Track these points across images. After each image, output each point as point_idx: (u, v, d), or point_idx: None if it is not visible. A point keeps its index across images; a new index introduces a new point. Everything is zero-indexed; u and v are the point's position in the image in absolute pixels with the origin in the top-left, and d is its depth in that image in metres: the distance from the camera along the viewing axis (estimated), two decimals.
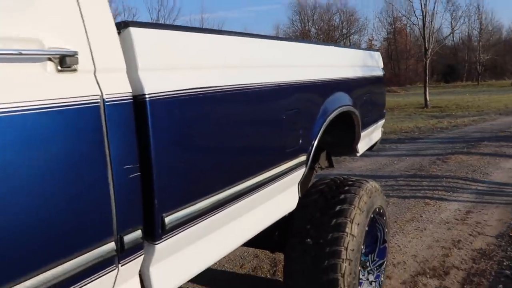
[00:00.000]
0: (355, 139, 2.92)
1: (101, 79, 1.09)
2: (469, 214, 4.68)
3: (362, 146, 3.15)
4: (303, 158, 2.15)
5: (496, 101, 21.24)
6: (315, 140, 2.24)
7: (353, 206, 2.39)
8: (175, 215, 1.33)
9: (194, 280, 2.72)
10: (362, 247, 2.44)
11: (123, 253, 1.15)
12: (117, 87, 1.13)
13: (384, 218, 2.84)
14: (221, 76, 1.53)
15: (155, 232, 1.27)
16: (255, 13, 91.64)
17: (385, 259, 2.94)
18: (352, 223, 2.33)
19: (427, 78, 20.16)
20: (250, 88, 1.69)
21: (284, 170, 2.02)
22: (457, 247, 3.85)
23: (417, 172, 6.63)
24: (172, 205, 1.32)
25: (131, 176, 1.15)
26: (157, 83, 1.25)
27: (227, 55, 1.63)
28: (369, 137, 3.31)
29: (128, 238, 1.15)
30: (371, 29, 79.17)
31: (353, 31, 50.08)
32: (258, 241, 2.77)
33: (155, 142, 1.22)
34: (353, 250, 2.30)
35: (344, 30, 49.74)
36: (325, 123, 2.29)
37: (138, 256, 1.22)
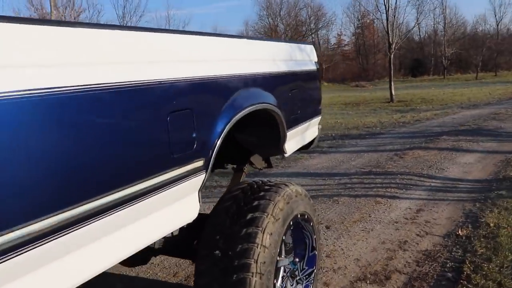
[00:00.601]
0: (281, 138, 2.66)
1: None
2: (419, 212, 4.52)
3: (292, 146, 2.90)
4: (199, 163, 1.88)
5: (460, 94, 21.52)
6: (216, 143, 1.96)
7: (266, 214, 2.14)
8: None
9: None
10: (278, 258, 2.19)
11: None
12: None
13: (311, 224, 2.60)
14: (73, 74, 1.24)
15: None
16: (225, 8, 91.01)
17: (314, 268, 2.69)
18: (263, 233, 2.09)
19: (393, 72, 20.24)
20: (117, 88, 1.40)
21: (173, 178, 1.74)
22: (402, 249, 3.67)
23: (372, 169, 6.46)
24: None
25: None
26: None
27: (85, 50, 1.33)
28: (301, 135, 3.06)
29: None
30: (339, 24, 79.69)
31: (321, 26, 50.17)
32: (176, 251, 2.51)
33: None
34: (264, 262, 2.06)
35: (311, 25, 49.75)
36: (229, 124, 2.01)
37: None
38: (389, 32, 19.46)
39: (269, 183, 2.39)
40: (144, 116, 1.57)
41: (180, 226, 2.00)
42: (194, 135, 1.82)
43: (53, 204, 1.19)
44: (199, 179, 1.93)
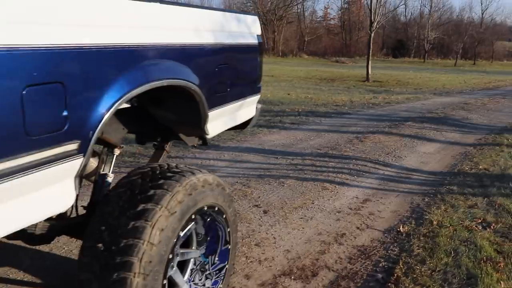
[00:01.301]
0: (201, 118, 2.35)
1: None
2: (365, 203, 4.31)
3: (217, 127, 2.60)
4: (72, 146, 1.56)
5: (435, 80, 21.47)
6: (99, 124, 1.64)
7: (159, 206, 1.85)
8: None
9: None
10: (171, 256, 1.93)
11: None
12: None
13: (224, 216, 2.32)
14: None
15: None
16: None
17: (226, 263, 2.44)
18: (153, 228, 1.80)
19: (375, 51, 19.97)
20: None
21: (32, 162, 1.42)
22: (338, 242, 3.46)
23: (328, 151, 6.23)
24: None
25: None
26: None
27: None
28: (231, 115, 2.76)
29: None
30: None
31: None
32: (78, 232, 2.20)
33: None
34: (150, 262, 1.79)
35: None
36: (117, 102, 1.69)
37: None
38: (372, 10, 19.04)
39: (174, 169, 2.09)
40: None
41: (52, 215, 1.69)
42: (64, 113, 1.50)
43: None
44: (74, 164, 1.62)
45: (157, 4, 1.95)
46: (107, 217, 1.90)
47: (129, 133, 2.70)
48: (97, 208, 1.98)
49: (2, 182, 1.36)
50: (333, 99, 12.34)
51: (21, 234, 2.01)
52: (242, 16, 2.77)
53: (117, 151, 2.64)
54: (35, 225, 2.00)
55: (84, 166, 1.67)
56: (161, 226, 1.84)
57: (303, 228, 3.68)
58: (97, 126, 1.64)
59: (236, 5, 46.15)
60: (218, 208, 2.26)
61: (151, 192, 1.91)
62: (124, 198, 1.93)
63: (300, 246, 3.37)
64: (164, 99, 2.39)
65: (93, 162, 2.63)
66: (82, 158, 1.64)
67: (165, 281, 1.91)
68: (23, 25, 1.35)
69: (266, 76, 19.73)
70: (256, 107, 3.16)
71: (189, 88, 2.13)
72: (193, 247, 2.44)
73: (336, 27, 50.51)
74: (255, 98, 3.03)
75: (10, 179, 1.38)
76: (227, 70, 2.52)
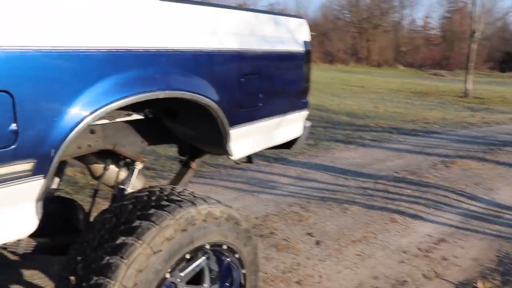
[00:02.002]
0: (222, 136, 2.00)
1: None
2: (439, 244, 3.67)
3: (245, 147, 2.23)
4: (24, 166, 1.28)
5: None
6: (63, 142, 1.35)
7: (140, 241, 1.52)
8: None
9: None
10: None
11: None
12: None
13: (238, 256, 1.93)
14: None
15: None
16: None
17: None
18: (128, 267, 1.47)
19: (479, 64, 18.35)
20: None
21: None
22: None
23: (406, 176, 5.55)
24: None
25: None
26: None
27: None
28: (266, 134, 2.36)
29: None
30: (427, 4, 73.93)
31: (405, 3, 46.60)
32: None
33: None
34: None
35: (395, 2, 46.22)
36: (88, 118, 1.38)
37: None
38: (473, 17, 17.47)
39: (173, 196, 1.75)
40: None
41: (7, 241, 1.43)
42: (12, 128, 1.22)
43: None
44: (31, 186, 1.33)
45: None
46: (86, 247, 1.62)
47: (151, 145, 2.43)
48: (81, 234, 1.71)
49: None
50: (424, 116, 11.37)
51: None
52: (282, 18, 2.37)
53: (139, 165, 2.38)
54: (17, 244, 1.78)
55: (45, 188, 1.39)
56: (139, 266, 1.51)
57: (357, 268, 3.16)
58: (61, 144, 1.35)
59: (332, 12, 45.45)
60: (228, 247, 1.87)
61: (136, 223, 1.59)
62: (107, 226, 1.64)
63: None
64: (178, 112, 2.08)
65: (115, 173, 2.40)
66: (42, 180, 1.35)
67: None
68: None
69: (355, 87, 19.04)
70: (305, 126, 2.73)
71: (200, 102, 1.78)
72: (205, 284, 2.09)
73: (437, 38, 47.49)
74: (301, 114, 2.61)
75: None
76: (258, 82, 2.14)
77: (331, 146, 6.97)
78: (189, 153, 2.56)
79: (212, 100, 1.85)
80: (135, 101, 1.52)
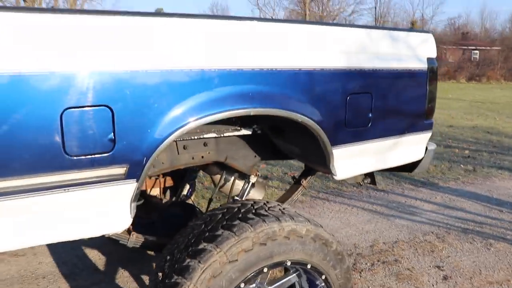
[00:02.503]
0: (325, 155, 2.01)
1: None
2: None
3: (352, 167, 2.19)
4: (118, 170, 1.50)
5: None
6: (155, 151, 1.54)
7: (218, 249, 1.64)
8: None
9: None
10: None
11: None
12: None
13: (325, 277, 1.92)
14: None
15: None
16: None
17: None
18: (204, 272, 1.60)
19: None
20: None
21: (74, 180, 1.44)
22: None
23: None
24: None
25: None
26: None
27: None
28: (378, 156, 2.28)
29: None
30: None
31: None
32: None
33: None
34: None
35: None
36: (177, 131, 1.55)
37: None
38: None
39: (260, 210, 1.82)
40: (30, 113, 1.33)
41: (103, 234, 1.67)
42: (109, 137, 1.45)
43: None
44: (125, 188, 1.55)
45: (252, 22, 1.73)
46: (175, 248, 1.80)
47: (264, 160, 2.54)
48: (174, 237, 1.89)
49: (41, 195, 1.39)
50: None
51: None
52: (401, 34, 2.25)
53: (253, 178, 2.53)
54: (128, 239, 2.04)
55: (138, 191, 1.59)
56: (213, 272, 1.63)
57: None
58: (152, 153, 1.53)
59: None
60: (312, 266, 1.87)
61: (219, 231, 1.71)
62: (195, 232, 1.80)
63: None
64: (284, 130, 2.15)
65: (233, 184, 2.59)
66: (135, 183, 1.56)
67: None
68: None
69: None
70: (428, 148, 2.55)
71: (296, 120, 1.82)
72: None
73: None
74: (422, 136, 2.44)
75: (50, 193, 1.41)
76: (368, 101, 2.08)
77: (492, 174, 6.24)
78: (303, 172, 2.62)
79: (311, 118, 1.87)
80: (224, 117, 1.63)
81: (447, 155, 7.48)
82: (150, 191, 2.90)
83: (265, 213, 1.81)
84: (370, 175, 2.86)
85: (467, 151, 7.77)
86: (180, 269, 1.66)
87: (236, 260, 1.66)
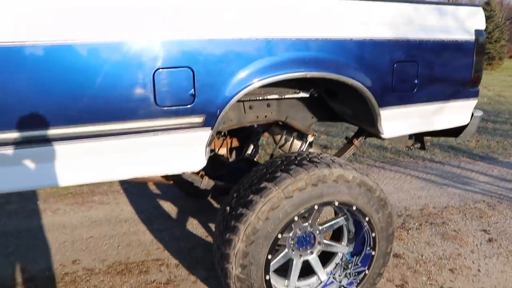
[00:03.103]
0: (373, 116, 2.29)
1: None
2: None
3: (398, 128, 2.44)
4: (197, 119, 1.87)
5: None
6: (226, 105, 1.89)
7: (276, 187, 1.99)
8: None
9: None
10: (279, 235, 2.06)
11: None
12: None
13: (368, 219, 2.22)
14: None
15: None
16: None
17: (366, 268, 2.34)
18: (264, 204, 1.96)
19: None
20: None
21: (161, 126, 1.83)
22: None
23: None
24: None
25: None
26: None
27: None
28: (423, 118, 2.50)
29: None
30: None
31: None
32: None
33: None
34: (254, 233, 1.98)
35: None
36: (245, 89, 1.89)
37: None
38: None
39: (314, 159, 2.15)
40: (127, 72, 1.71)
41: (182, 172, 2.07)
42: (191, 92, 1.82)
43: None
44: (202, 134, 1.93)
45: None
46: (241, 187, 2.16)
47: (320, 121, 2.84)
48: (240, 180, 2.25)
49: (134, 137, 1.79)
50: None
51: (184, 183, 2.49)
52: (449, 8, 2.43)
53: (310, 138, 2.85)
54: (201, 182, 2.42)
55: (212, 138, 1.96)
56: (272, 205, 1.97)
57: None
58: (224, 106, 1.88)
59: None
60: (357, 208, 2.18)
61: (278, 174, 2.05)
62: (258, 174, 2.15)
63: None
64: (338, 93, 2.43)
65: (292, 144, 2.92)
66: (210, 130, 1.92)
67: (269, 256, 2.03)
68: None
69: None
70: (474, 115, 2.73)
71: (347, 83, 2.10)
72: (343, 243, 2.44)
73: None
74: (467, 103, 2.63)
75: (142, 136, 1.81)
76: (414, 68, 2.31)
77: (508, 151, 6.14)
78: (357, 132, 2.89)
79: (360, 82, 2.15)
80: (283, 79, 1.95)
81: None
82: (218, 151, 3.29)
83: (318, 160, 2.13)
84: (420, 140, 3.08)
85: None
86: (244, 202, 2.02)
87: (291, 196, 2.00)
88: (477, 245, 3.30)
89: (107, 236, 3.37)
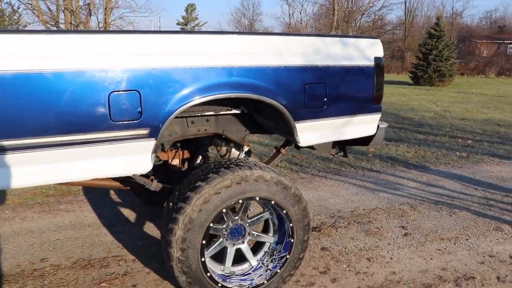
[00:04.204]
0: (291, 128, 2.83)
1: None
2: None
3: (312, 138, 2.98)
4: (143, 131, 2.35)
5: None
6: (166, 119, 2.38)
7: (208, 185, 2.49)
8: None
9: None
10: (211, 224, 2.53)
11: None
12: None
13: (285, 212, 2.74)
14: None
15: None
16: None
17: (287, 253, 2.85)
18: (198, 199, 2.46)
19: None
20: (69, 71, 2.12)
21: (114, 137, 2.30)
22: (456, 284, 3.26)
23: None
24: None
25: None
26: None
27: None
28: (334, 130, 3.06)
29: None
30: None
31: None
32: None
33: None
34: (190, 222, 2.46)
35: None
36: (182, 107, 2.39)
37: None
38: None
39: (239, 163, 2.66)
40: (89, 93, 2.20)
41: (132, 174, 2.55)
42: (138, 110, 2.31)
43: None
44: (148, 143, 2.42)
45: (233, 36, 2.56)
46: (181, 187, 2.65)
47: (252, 133, 3.37)
48: (182, 180, 2.75)
49: (95, 146, 2.27)
50: None
51: (141, 191, 2.96)
52: (351, 40, 3.02)
53: (245, 148, 3.37)
54: (150, 184, 2.90)
55: (156, 146, 2.45)
56: (204, 200, 2.48)
57: (430, 259, 3.56)
58: (165, 121, 2.39)
59: None
60: (275, 202, 2.70)
61: (210, 175, 2.56)
62: (195, 176, 2.65)
63: (410, 273, 3.34)
64: (262, 110, 2.97)
65: (231, 154, 3.43)
66: (154, 141, 2.42)
67: (204, 241, 2.53)
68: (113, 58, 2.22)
69: None
70: (379, 126, 3.32)
71: (265, 102, 2.64)
72: (269, 234, 2.95)
73: None
74: (372, 117, 3.21)
75: (100, 144, 2.28)
76: (322, 89, 2.86)
77: (483, 160, 6.87)
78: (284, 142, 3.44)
79: (277, 101, 2.69)
80: (210, 99, 2.46)
81: (449, 144, 8.10)
82: (171, 161, 3.77)
83: (243, 164, 2.66)
84: (342, 149, 3.66)
85: (469, 141, 8.33)
86: (183, 198, 2.52)
87: (220, 192, 2.51)
88: (393, 239, 3.88)
89: (72, 238, 3.78)
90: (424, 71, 23.15)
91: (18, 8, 25.88)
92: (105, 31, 2.30)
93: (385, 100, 15.07)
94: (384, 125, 3.36)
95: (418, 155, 7.10)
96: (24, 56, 2.04)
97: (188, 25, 54.70)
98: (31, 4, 26.76)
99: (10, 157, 2.13)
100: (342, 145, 3.60)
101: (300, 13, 39.52)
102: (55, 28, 27.35)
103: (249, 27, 50.60)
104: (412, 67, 25.12)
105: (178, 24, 55.19)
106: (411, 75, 24.65)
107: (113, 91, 2.24)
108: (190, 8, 54.77)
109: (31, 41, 2.06)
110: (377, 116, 3.25)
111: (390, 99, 15.94)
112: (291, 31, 39.28)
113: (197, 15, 55.56)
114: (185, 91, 2.41)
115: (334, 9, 36.15)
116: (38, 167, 2.23)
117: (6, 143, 2.08)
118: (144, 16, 55.59)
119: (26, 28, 26.36)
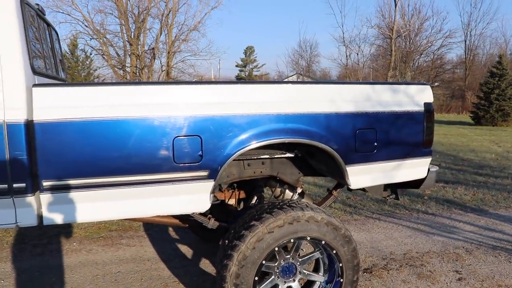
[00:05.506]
0: (342, 171, 2.96)
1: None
2: None
3: (363, 181, 3.08)
4: (203, 173, 2.58)
5: None
6: (225, 162, 2.59)
7: (262, 224, 2.66)
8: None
9: None
10: (264, 262, 2.70)
11: None
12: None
13: (335, 252, 2.84)
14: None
15: None
16: None
17: None
18: (252, 237, 2.62)
19: None
20: (134, 119, 2.41)
21: (177, 178, 2.54)
22: None
23: None
24: None
25: None
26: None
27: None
28: (384, 173, 3.15)
29: None
30: None
31: None
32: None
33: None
34: (244, 259, 2.60)
35: None
36: (238, 152, 2.60)
37: None
38: None
39: (292, 204, 2.81)
40: (157, 138, 2.48)
41: (191, 212, 2.76)
42: (199, 153, 2.54)
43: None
44: (207, 184, 2.63)
45: (289, 85, 2.77)
46: (237, 225, 2.83)
47: (306, 176, 3.52)
48: (238, 219, 2.93)
49: (159, 185, 2.51)
50: None
51: (199, 228, 3.15)
52: (401, 86, 3.14)
53: (299, 189, 3.52)
54: (208, 222, 3.10)
55: (214, 187, 2.66)
56: (258, 238, 2.63)
57: None
58: (224, 164, 2.60)
59: None
60: (325, 243, 2.80)
61: (264, 215, 2.72)
62: (250, 215, 2.82)
63: None
64: (314, 154, 3.13)
65: (285, 195, 3.59)
66: (213, 182, 2.63)
67: (256, 278, 2.67)
68: (177, 106, 2.49)
69: None
70: (431, 169, 3.37)
71: (317, 146, 2.80)
72: (319, 273, 3.05)
73: None
74: (422, 160, 3.27)
75: (164, 184, 2.52)
76: (373, 134, 2.99)
77: None
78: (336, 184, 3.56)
79: (328, 145, 2.84)
80: (269, 144, 2.65)
81: (511, 187, 7.82)
82: (228, 201, 3.97)
83: (295, 205, 2.80)
84: (394, 192, 3.72)
85: None
86: (238, 236, 2.69)
87: (273, 231, 2.66)
88: (447, 283, 3.82)
89: (132, 271, 4.02)
90: (486, 111, 22.50)
91: (91, 54, 27.91)
92: (172, 82, 2.58)
93: (444, 141, 14.82)
94: (434, 168, 3.41)
95: (476, 198, 6.92)
96: (114, 105, 2.38)
97: (246, 67, 56.26)
98: (101, 49, 28.90)
99: (87, 194, 2.40)
100: (393, 188, 3.66)
101: (357, 54, 39.63)
102: (121, 72, 29.27)
103: (306, 69, 51.33)
104: (473, 107, 24.48)
105: (237, 66, 56.91)
106: (472, 115, 23.99)
107: (177, 136, 2.48)
108: (249, 51, 56.43)
109: (121, 91, 2.45)
110: (428, 159, 3.31)
111: (450, 139, 15.57)
112: (348, 72, 39.41)
113: (256, 57, 57.01)
114: (243, 136, 2.61)
115: (392, 50, 36.01)
116: (110, 203, 2.49)
117: (86, 181, 2.36)
118: (205, 59, 57.58)
119: (96, 72, 28.39)
